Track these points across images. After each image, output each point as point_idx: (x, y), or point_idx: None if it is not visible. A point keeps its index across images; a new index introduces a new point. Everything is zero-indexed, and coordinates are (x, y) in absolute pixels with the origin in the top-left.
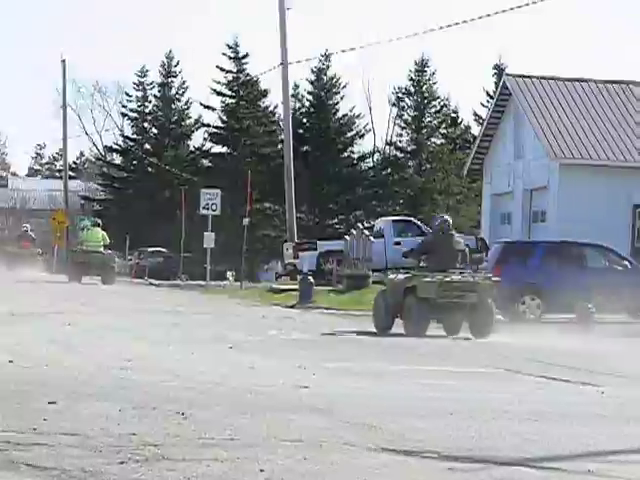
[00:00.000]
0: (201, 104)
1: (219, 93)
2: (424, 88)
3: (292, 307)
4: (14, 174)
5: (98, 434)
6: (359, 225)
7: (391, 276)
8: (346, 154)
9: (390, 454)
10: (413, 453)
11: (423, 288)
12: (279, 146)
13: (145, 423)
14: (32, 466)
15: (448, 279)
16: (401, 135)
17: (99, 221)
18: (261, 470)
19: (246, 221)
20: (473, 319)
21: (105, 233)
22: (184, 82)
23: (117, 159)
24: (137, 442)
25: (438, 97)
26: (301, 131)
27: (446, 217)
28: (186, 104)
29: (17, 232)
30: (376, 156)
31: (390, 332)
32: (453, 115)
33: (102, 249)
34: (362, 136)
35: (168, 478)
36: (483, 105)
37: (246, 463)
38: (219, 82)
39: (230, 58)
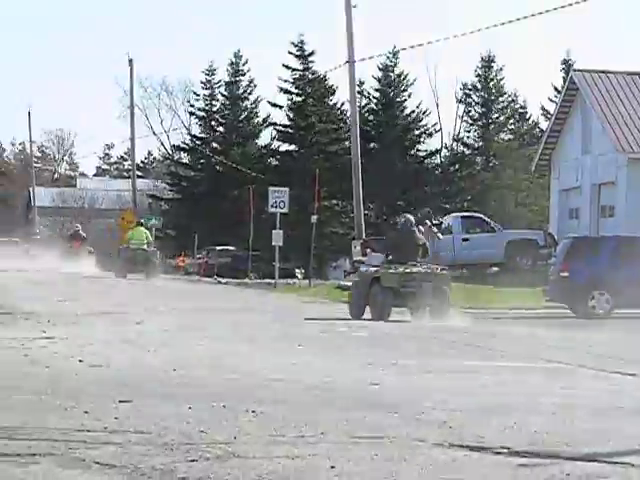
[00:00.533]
0: (269, 102)
1: (286, 91)
2: (491, 84)
3: None
4: (82, 174)
5: (169, 432)
6: (427, 222)
7: (362, 269)
8: (413, 151)
9: (461, 450)
10: (484, 449)
11: (386, 278)
12: (346, 143)
13: (216, 421)
14: (103, 464)
15: (408, 270)
16: (468, 131)
17: (142, 220)
18: (332, 467)
19: (314, 219)
20: (431, 305)
21: (148, 232)
22: (252, 80)
23: (185, 158)
24: (208, 440)
25: (505, 93)
26: (368, 128)
27: (408, 216)
28: (254, 102)
29: (69, 232)
30: (444, 153)
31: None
32: (521, 111)
33: (146, 246)
34: (430, 134)
35: (239, 476)
36: (551, 100)
37: (317, 460)
38: (286, 80)
39: (296, 56)
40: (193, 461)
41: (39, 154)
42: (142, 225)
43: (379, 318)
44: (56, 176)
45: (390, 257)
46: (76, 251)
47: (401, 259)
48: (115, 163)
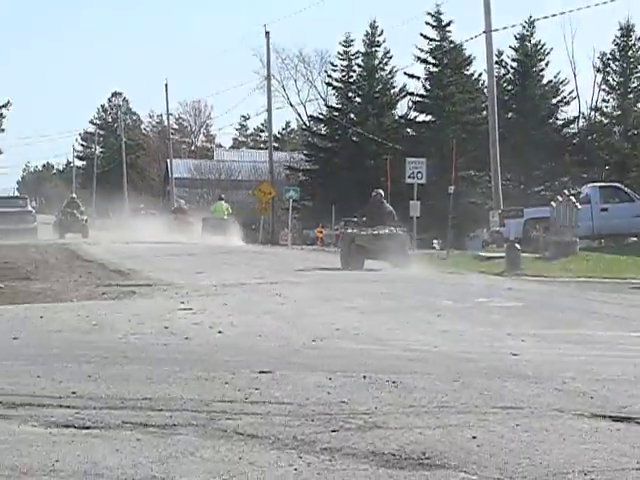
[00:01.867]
0: (405, 73)
1: (423, 61)
2: (629, 53)
3: (499, 275)
4: (219, 146)
5: (310, 402)
6: (565, 192)
7: (345, 232)
8: (551, 120)
9: (601, 420)
10: (625, 419)
11: (359, 238)
12: (483, 113)
13: (356, 391)
14: (244, 435)
15: (376, 232)
16: (607, 101)
17: (223, 195)
18: (473, 437)
19: (451, 189)
20: (395, 258)
21: (229, 205)
22: (388, 51)
23: (321, 129)
24: (348, 410)
25: None
26: (505, 98)
27: (379, 191)
28: (390, 73)
29: (173, 207)
30: (581, 122)
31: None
32: None
33: (225, 217)
34: (567, 102)
35: (380, 446)
36: None
37: (458, 430)
38: (422, 50)
39: (433, 26)
40: (334, 431)
41: (176, 126)
42: (222, 199)
43: (354, 269)
44: (193, 148)
45: (365, 221)
46: (178, 223)
47: (372, 224)
48: (252, 135)
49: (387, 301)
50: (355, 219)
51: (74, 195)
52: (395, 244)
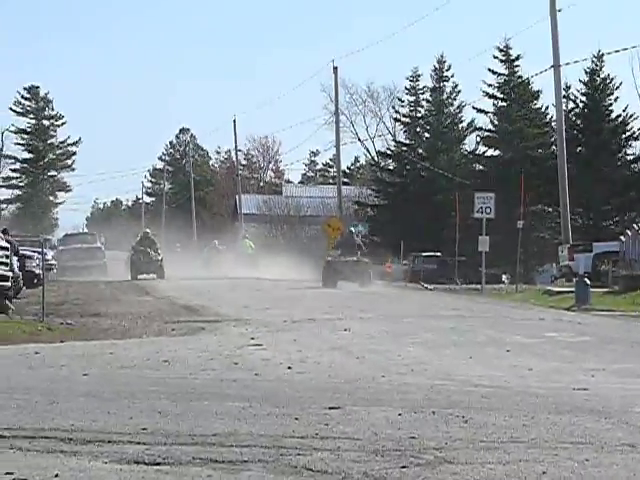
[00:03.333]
0: (473, 107)
1: (491, 96)
2: None
3: (568, 309)
4: (288, 181)
5: (379, 438)
6: (634, 226)
7: (327, 259)
8: (621, 155)
9: None
10: None
11: (335, 264)
12: (552, 148)
13: (425, 427)
14: (314, 470)
15: (346, 259)
16: None
17: (247, 235)
18: (543, 472)
19: (520, 224)
20: (360, 280)
21: (252, 242)
22: (456, 86)
23: (390, 164)
24: (418, 446)
25: None
26: (574, 132)
27: (352, 229)
28: (458, 108)
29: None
30: None
31: None
32: None
33: (250, 252)
34: (636, 138)
35: None
36: None
37: (528, 465)
38: (490, 85)
39: (501, 61)
40: (404, 467)
41: (245, 162)
42: (247, 238)
43: (330, 287)
44: (261, 184)
45: (340, 252)
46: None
47: (345, 254)
48: (320, 170)
49: (455, 336)
50: (423, 254)
51: (148, 230)
52: (360, 269)
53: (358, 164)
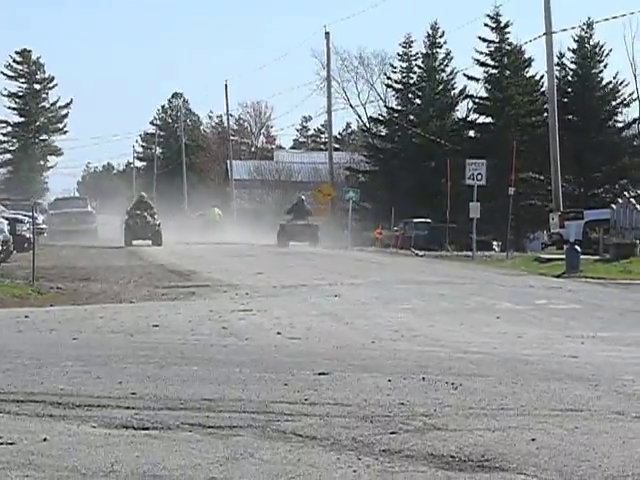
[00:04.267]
0: (465, 75)
1: (482, 64)
2: None
3: (559, 277)
4: (280, 147)
5: (368, 404)
6: (625, 194)
7: (281, 222)
8: (611, 122)
9: None
10: None
11: (288, 227)
12: (544, 115)
13: (415, 393)
14: (303, 436)
15: (297, 223)
16: None
17: (216, 205)
18: (532, 439)
19: (511, 190)
20: (309, 241)
21: (219, 210)
22: (448, 53)
23: (382, 130)
24: (407, 412)
25: None
26: (565, 100)
27: (301, 196)
28: (450, 74)
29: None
30: None
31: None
32: None
33: (217, 220)
34: (627, 104)
35: (439, 448)
36: None
37: (517, 432)
38: (482, 52)
39: (492, 28)
40: (393, 433)
41: (236, 127)
42: (215, 207)
43: (283, 247)
44: (253, 149)
45: (292, 217)
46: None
47: (297, 218)
48: (312, 136)
49: (445, 303)
50: (414, 220)
51: (144, 194)
52: (310, 231)
53: (350, 130)
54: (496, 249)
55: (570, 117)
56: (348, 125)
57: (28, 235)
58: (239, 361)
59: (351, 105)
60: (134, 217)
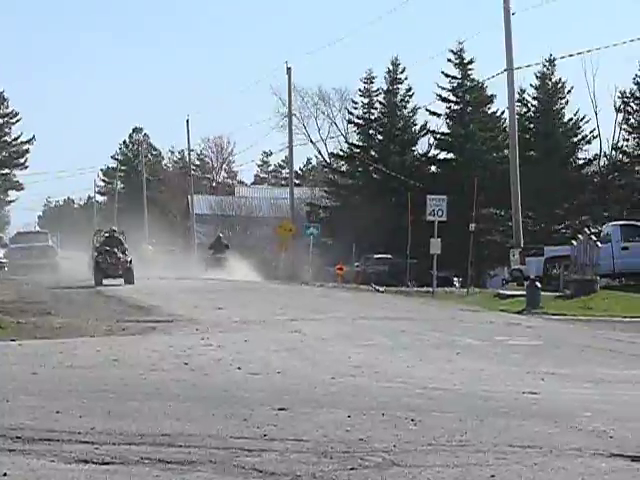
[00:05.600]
0: (427, 110)
1: (444, 99)
2: None
3: (519, 313)
4: (240, 182)
5: (328, 440)
6: (586, 230)
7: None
8: (572, 159)
9: (620, 460)
10: None
11: (207, 259)
12: (505, 151)
13: (375, 429)
14: (262, 472)
15: (216, 256)
16: (627, 140)
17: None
18: (492, 476)
19: (472, 227)
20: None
21: (152, 247)
22: (410, 88)
23: (343, 166)
24: (367, 448)
25: None
26: (527, 136)
27: (219, 234)
28: (412, 110)
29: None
30: (602, 161)
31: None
32: None
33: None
34: (588, 141)
35: None
36: None
37: (477, 469)
38: (444, 88)
39: (455, 64)
40: (353, 469)
41: (198, 162)
42: (149, 244)
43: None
44: (214, 184)
45: (213, 251)
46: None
47: (217, 252)
48: (273, 171)
49: (405, 338)
50: (375, 256)
51: (115, 228)
52: (227, 263)
53: (310, 166)
54: (457, 285)
55: (532, 153)
56: (308, 161)
57: None
58: (199, 396)
59: (311, 141)
60: (103, 254)
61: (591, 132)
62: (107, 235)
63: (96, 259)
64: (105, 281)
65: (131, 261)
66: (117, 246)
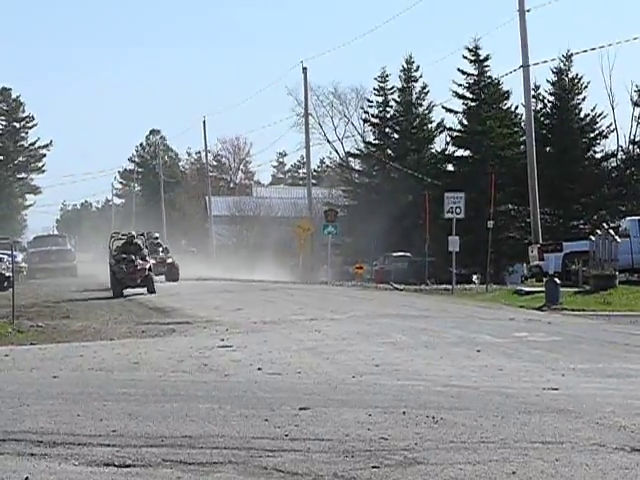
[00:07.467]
0: (443, 107)
1: (460, 96)
2: None
3: (539, 309)
4: (258, 183)
5: (349, 439)
6: (604, 225)
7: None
8: (589, 154)
9: None
10: None
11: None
12: (522, 147)
13: (396, 427)
14: (284, 472)
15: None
16: None
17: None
18: (513, 472)
19: (490, 224)
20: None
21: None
22: (425, 86)
23: (359, 165)
24: (388, 446)
25: None
26: (543, 132)
27: (132, 233)
28: (427, 108)
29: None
30: (620, 155)
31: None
32: None
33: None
34: (605, 136)
35: None
36: None
37: (498, 465)
38: (460, 85)
39: (471, 61)
40: (375, 467)
41: (215, 163)
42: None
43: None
44: (232, 185)
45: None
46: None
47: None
48: (289, 171)
49: (425, 336)
50: (394, 254)
51: (134, 233)
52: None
53: (324, 165)
54: (476, 282)
55: (548, 149)
56: (322, 161)
57: (7, 274)
58: (220, 397)
59: (328, 140)
60: (120, 262)
61: (608, 127)
62: (125, 241)
63: (112, 269)
64: (125, 291)
65: (150, 268)
66: (135, 253)
